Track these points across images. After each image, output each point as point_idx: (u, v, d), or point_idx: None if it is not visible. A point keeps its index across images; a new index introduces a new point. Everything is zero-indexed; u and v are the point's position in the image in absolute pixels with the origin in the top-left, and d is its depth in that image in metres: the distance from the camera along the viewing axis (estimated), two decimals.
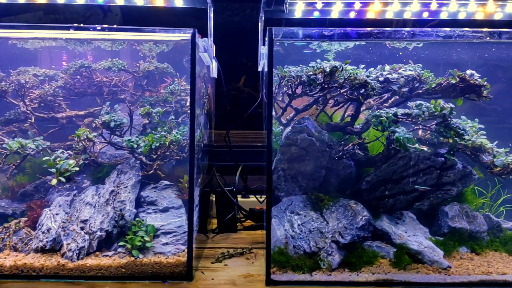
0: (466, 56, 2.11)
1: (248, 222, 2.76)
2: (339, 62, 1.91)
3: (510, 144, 2.11)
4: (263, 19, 2.39)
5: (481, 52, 2.09)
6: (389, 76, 1.96)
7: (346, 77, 1.85)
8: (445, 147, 2.03)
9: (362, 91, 1.90)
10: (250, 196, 2.95)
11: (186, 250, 1.81)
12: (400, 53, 2.19)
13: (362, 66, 2.06)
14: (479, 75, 1.93)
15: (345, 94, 1.97)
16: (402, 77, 2.02)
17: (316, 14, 2.54)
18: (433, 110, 1.81)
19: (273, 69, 1.95)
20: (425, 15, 2.52)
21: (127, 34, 1.86)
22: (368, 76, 1.87)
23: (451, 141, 1.81)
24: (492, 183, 2.35)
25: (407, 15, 2.52)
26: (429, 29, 1.73)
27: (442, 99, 1.92)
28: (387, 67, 2.05)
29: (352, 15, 2.53)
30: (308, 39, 1.75)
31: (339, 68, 1.85)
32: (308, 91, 1.93)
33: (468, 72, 1.93)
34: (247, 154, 2.94)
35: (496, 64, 2.28)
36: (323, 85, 1.88)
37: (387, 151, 2.01)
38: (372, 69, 2.06)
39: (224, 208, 2.64)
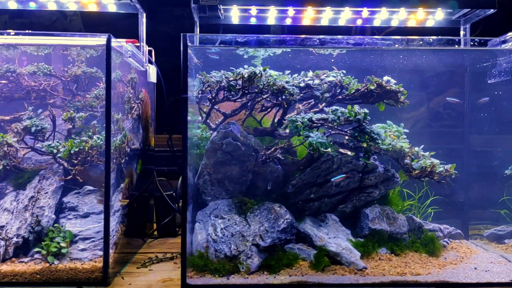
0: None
1: None
2: (260, 68, 1.94)
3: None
4: (198, 24, 2.40)
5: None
6: (310, 82, 2.00)
7: (265, 82, 1.88)
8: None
9: (283, 97, 1.94)
10: None
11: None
12: (332, 60, 2.24)
13: (288, 72, 2.10)
14: (395, 81, 1.98)
15: (269, 99, 2.01)
16: (325, 83, 2.06)
17: (253, 20, 2.57)
18: (348, 115, 1.85)
19: (196, 74, 1.98)
20: (359, 22, 2.57)
21: (43, 38, 1.86)
22: (287, 82, 1.91)
23: (365, 145, 1.86)
24: (420, 185, 2.42)
25: (341, 22, 2.56)
26: (339, 36, 1.77)
27: (360, 105, 1.98)
28: (310, 73, 2.09)
29: (288, 21, 2.57)
30: (222, 45, 1.77)
31: (258, 74, 1.88)
32: (229, 96, 1.95)
33: (385, 78, 1.99)
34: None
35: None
36: (243, 90, 1.91)
37: (310, 155, 2.04)
38: (296, 75, 2.10)
39: (164, 213, 2.65)
